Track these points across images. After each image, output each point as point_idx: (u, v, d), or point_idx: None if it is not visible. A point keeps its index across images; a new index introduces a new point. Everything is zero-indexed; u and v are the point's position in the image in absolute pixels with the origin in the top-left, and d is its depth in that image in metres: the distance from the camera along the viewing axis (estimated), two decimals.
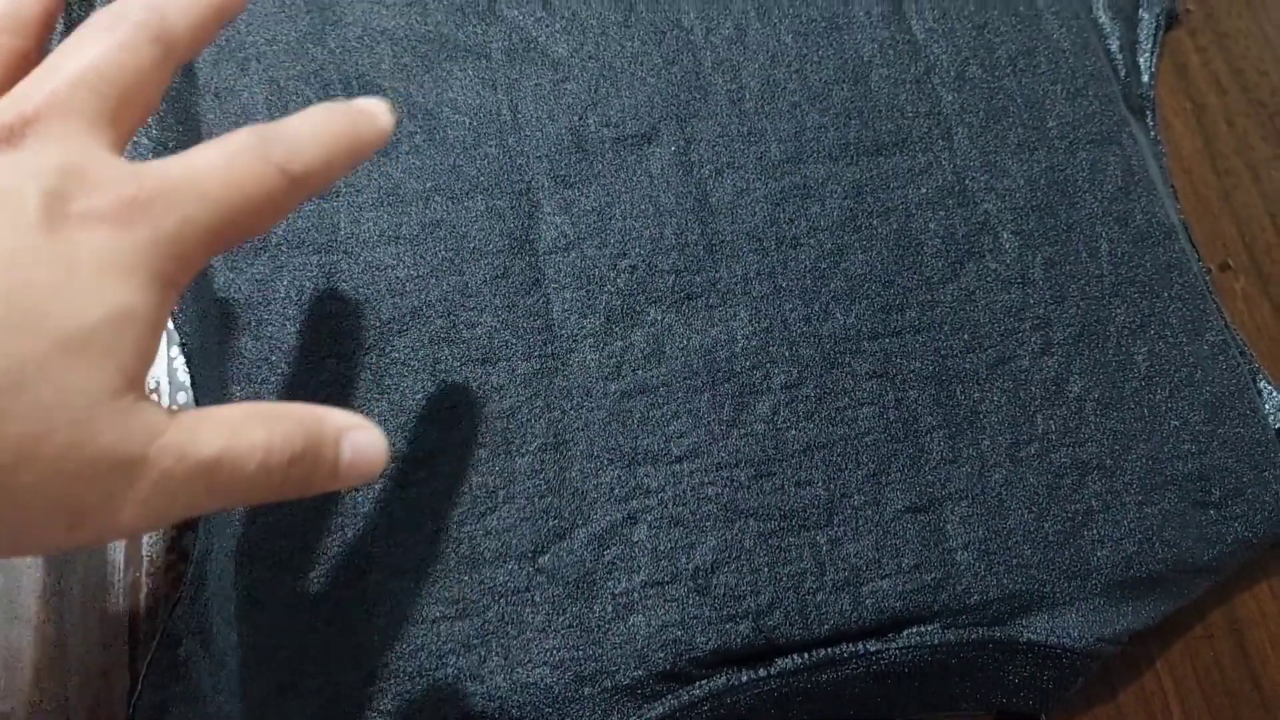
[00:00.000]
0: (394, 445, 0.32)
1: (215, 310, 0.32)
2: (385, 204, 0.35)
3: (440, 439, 0.32)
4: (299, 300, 0.33)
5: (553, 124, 0.37)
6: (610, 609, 0.31)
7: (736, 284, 0.36)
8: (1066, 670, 0.33)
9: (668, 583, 0.32)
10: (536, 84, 0.37)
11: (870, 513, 0.33)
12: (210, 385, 0.31)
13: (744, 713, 0.31)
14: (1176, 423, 0.36)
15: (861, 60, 0.40)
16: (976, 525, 0.34)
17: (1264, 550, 0.36)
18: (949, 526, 0.34)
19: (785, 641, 0.32)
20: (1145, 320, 0.38)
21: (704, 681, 0.31)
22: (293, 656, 0.29)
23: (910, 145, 0.39)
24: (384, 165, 0.35)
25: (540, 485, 0.32)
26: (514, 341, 0.34)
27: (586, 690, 0.30)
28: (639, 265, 0.35)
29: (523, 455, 0.32)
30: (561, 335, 0.34)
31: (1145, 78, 0.43)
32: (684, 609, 0.31)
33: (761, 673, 0.31)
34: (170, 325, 0.31)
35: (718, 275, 0.36)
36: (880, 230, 0.37)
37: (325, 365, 0.32)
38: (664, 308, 0.35)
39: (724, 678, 0.31)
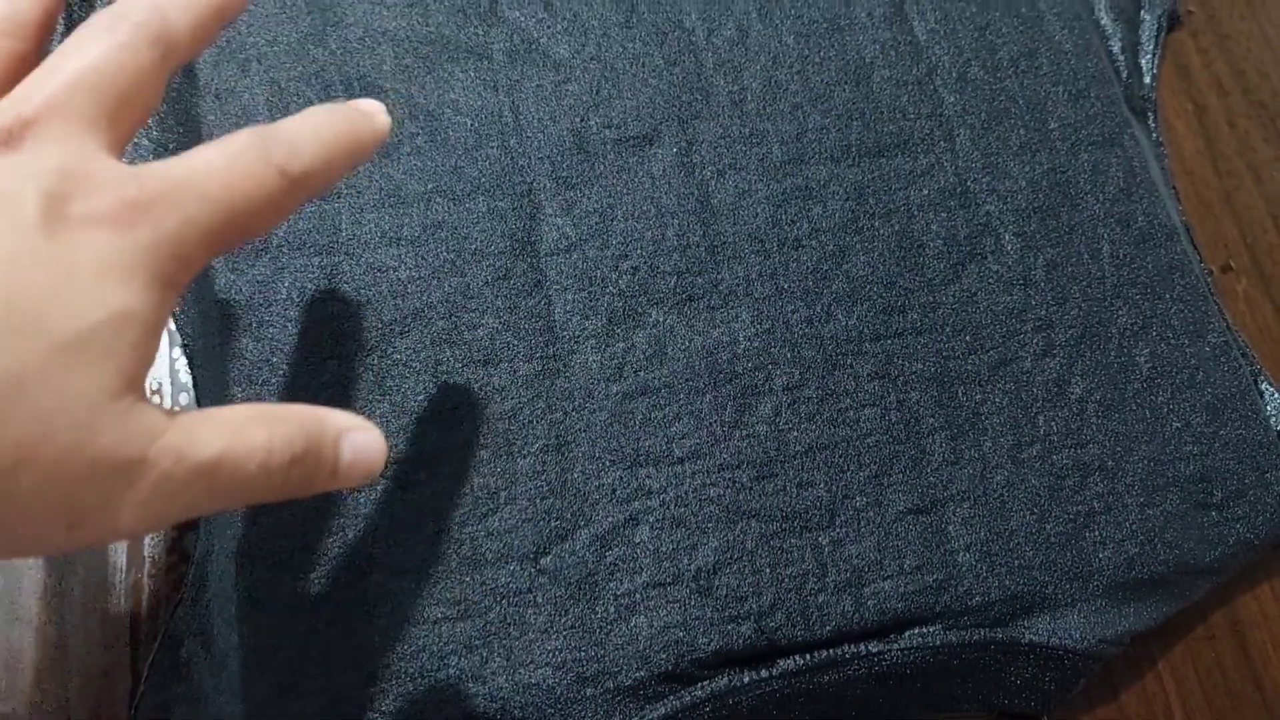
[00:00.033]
0: (395, 446, 0.32)
1: (217, 311, 0.32)
2: (387, 205, 0.34)
3: (442, 440, 0.32)
4: (300, 301, 0.33)
5: (554, 125, 0.37)
6: (612, 610, 0.31)
7: (738, 285, 0.36)
8: (1068, 671, 0.33)
9: (670, 584, 0.32)
10: (538, 85, 0.37)
11: (872, 514, 0.33)
12: (212, 386, 0.31)
13: (746, 714, 0.31)
14: (1178, 424, 0.36)
15: (863, 62, 0.40)
16: (978, 526, 0.34)
17: (1266, 551, 0.36)
18: (951, 528, 0.34)
19: (787, 642, 0.32)
20: (1147, 322, 0.37)
21: (706, 682, 0.31)
22: (294, 657, 0.29)
23: (912, 147, 0.39)
24: (385, 167, 0.35)
25: (542, 486, 0.32)
26: (516, 343, 0.34)
27: (589, 691, 0.30)
28: (641, 266, 0.35)
29: (524, 456, 0.32)
30: (563, 337, 0.34)
31: (1147, 79, 0.43)
32: (686, 610, 0.31)
33: (763, 674, 0.31)
34: (172, 326, 0.32)
35: (719, 276, 0.36)
36: (882, 232, 0.37)
37: (327, 366, 0.32)
38: (666, 309, 0.35)
39: (726, 679, 0.31)
